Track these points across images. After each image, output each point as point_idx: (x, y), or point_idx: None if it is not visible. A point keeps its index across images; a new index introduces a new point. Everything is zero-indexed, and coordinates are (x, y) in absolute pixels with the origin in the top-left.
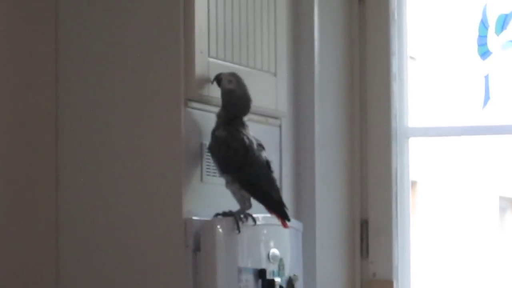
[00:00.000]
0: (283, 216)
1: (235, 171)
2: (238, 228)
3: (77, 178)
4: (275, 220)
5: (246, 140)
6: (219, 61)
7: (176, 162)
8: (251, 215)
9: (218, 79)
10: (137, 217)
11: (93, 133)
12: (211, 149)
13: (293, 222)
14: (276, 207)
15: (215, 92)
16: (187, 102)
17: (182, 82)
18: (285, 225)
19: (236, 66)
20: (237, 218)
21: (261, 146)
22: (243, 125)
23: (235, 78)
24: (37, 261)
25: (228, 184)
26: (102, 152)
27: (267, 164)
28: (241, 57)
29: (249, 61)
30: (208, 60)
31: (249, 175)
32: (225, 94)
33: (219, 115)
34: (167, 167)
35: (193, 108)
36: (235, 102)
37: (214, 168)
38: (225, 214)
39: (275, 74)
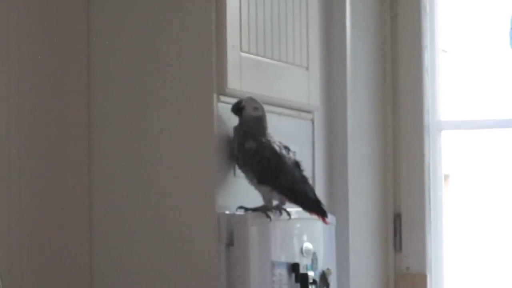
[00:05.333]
0: (322, 214)
1: (272, 180)
2: (269, 216)
3: (110, 173)
4: (308, 214)
5: (277, 148)
6: (251, 56)
7: (209, 157)
8: (285, 209)
9: (240, 107)
10: (170, 212)
11: (126, 129)
12: (243, 161)
13: None
14: (315, 207)
15: (247, 86)
16: (219, 97)
17: (215, 76)
18: (326, 222)
19: (268, 60)
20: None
21: (287, 149)
22: (267, 134)
23: (258, 104)
24: (71, 263)
25: (255, 185)
26: (135, 148)
27: (297, 164)
28: (273, 51)
29: (281, 55)
30: (240, 54)
31: (287, 181)
32: (254, 121)
33: (237, 134)
34: (201, 162)
35: (225, 102)
36: (262, 126)
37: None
38: (246, 209)
39: (307, 68)
